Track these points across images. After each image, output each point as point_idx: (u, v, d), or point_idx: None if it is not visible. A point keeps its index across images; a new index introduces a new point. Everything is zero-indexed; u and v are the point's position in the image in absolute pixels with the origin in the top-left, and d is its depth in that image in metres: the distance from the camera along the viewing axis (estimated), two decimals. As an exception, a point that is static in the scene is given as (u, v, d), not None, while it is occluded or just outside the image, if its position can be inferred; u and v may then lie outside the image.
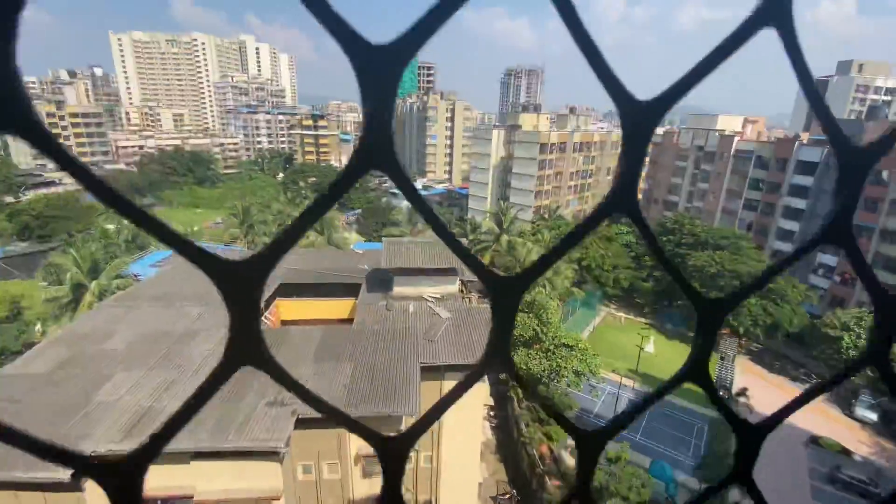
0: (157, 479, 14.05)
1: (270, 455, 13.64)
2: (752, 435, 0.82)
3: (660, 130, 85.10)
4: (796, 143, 50.71)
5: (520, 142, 70.32)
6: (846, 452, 30.41)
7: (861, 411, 34.28)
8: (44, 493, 12.68)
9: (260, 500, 14.40)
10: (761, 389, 36.27)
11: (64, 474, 11.66)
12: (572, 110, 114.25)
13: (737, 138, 57.16)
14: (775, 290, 40.49)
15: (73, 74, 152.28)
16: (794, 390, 38.26)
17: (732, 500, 22.28)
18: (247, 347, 0.62)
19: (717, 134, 59.84)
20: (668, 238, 50.09)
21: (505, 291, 0.69)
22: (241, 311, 0.60)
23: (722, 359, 40.64)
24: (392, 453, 0.74)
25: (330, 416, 0.72)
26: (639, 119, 0.66)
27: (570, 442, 25.82)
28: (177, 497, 14.16)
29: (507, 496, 27.04)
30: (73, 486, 12.38)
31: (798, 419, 33.93)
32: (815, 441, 31.43)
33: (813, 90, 0.67)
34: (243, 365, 0.62)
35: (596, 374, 28.98)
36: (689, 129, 65.17)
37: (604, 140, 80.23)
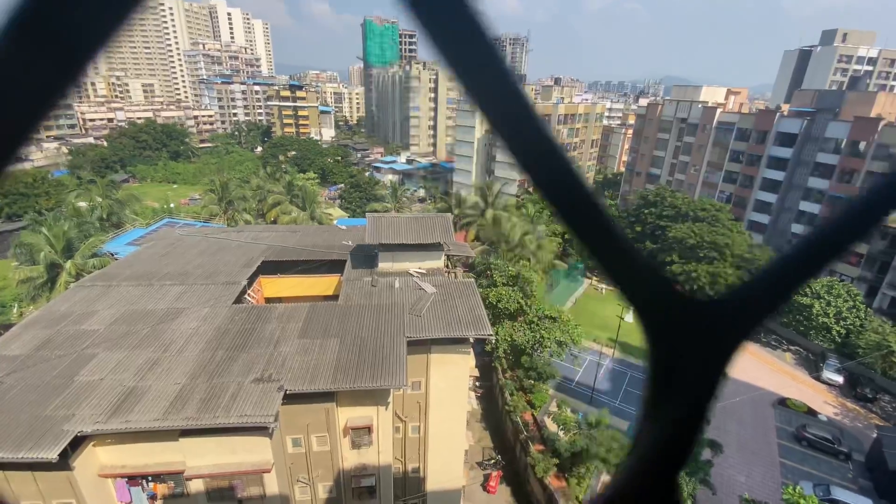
0: (146, 456, 14.15)
1: (259, 430, 13.80)
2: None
3: (643, 102, 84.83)
4: (777, 115, 51.29)
5: (504, 114, 69.43)
6: (812, 413, 32.26)
7: (828, 374, 36.19)
8: (33, 472, 12.66)
9: (251, 473, 14.66)
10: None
11: (52, 454, 11.63)
12: (557, 81, 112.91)
13: (719, 110, 57.49)
14: (751, 260, 41.77)
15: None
16: (764, 355, 40.10)
17: (704, 458, 23.57)
18: None
19: (700, 106, 60.04)
20: (650, 210, 50.78)
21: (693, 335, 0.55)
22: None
23: (699, 327, 42.11)
24: None
25: None
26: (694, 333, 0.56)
27: (552, 409, 26.76)
28: (167, 473, 14.32)
29: (493, 461, 28.10)
30: (62, 465, 12.38)
31: (767, 382, 35.75)
32: (782, 402, 33.21)
33: None
34: None
35: (578, 344, 29.80)
36: (672, 100, 65.16)
37: (588, 112, 79.77)
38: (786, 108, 53.77)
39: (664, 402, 0.53)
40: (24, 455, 11.65)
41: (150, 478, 14.48)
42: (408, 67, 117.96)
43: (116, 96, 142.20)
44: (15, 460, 11.77)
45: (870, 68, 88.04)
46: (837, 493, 24.13)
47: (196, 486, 14.77)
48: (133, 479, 14.38)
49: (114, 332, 16.73)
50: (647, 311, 0.51)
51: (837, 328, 37.43)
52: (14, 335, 16.59)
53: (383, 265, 21.68)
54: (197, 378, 14.61)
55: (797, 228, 48.60)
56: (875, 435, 29.18)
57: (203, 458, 14.21)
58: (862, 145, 43.60)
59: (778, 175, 50.46)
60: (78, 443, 12.83)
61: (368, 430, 16.47)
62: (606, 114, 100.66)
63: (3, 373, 14.40)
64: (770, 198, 51.40)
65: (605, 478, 25.19)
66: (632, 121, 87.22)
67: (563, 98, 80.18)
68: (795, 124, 48.85)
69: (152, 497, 14.75)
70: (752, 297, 0.54)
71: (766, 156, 51.37)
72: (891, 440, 27.06)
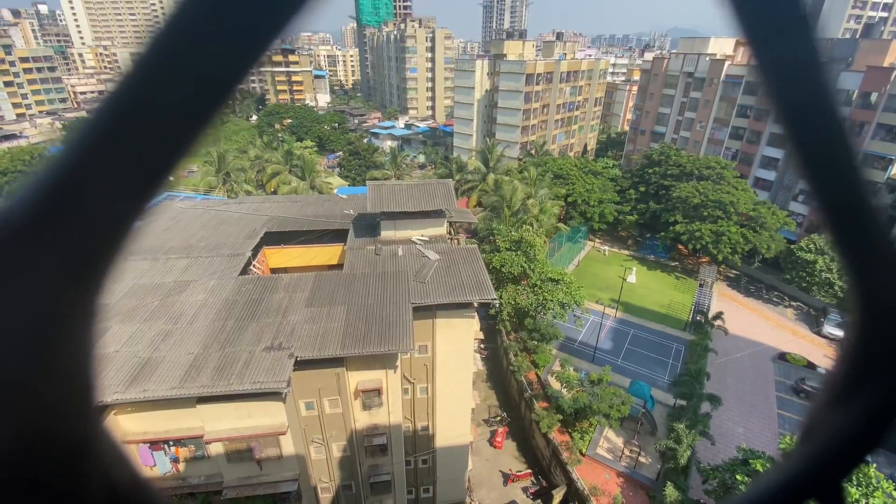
0: (167, 422, 14.75)
1: (273, 395, 14.30)
2: None
3: (649, 57, 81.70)
4: (787, 66, 49.35)
5: (505, 73, 67.21)
6: (811, 366, 32.96)
7: (829, 329, 36.70)
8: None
9: (268, 435, 15.31)
10: (735, 312, 38.35)
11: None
12: (559, 36, 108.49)
13: (728, 63, 55.38)
14: (755, 218, 41.46)
15: (16, 14, 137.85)
16: (766, 312, 40.56)
17: (703, 411, 24.35)
18: None
19: (707, 59, 57.81)
20: (654, 170, 50.01)
21: None
22: None
23: (701, 286, 42.43)
24: None
25: None
26: None
27: (555, 368, 27.41)
28: (187, 437, 14.96)
29: (499, 418, 29.17)
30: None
31: (768, 338, 36.35)
32: (782, 357, 33.89)
33: None
34: None
35: (580, 305, 30.17)
36: (679, 54, 62.69)
37: (591, 68, 77.08)
38: (797, 58, 51.59)
39: (862, 386, 0.51)
40: (49, 424, 12.15)
41: (171, 442, 15.17)
42: (403, 26, 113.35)
43: (105, 67, 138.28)
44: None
45: (885, 14, 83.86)
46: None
47: (216, 448, 15.47)
48: (155, 444, 15.07)
49: (124, 305, 17.03)
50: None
51: (840, 283, 37.57)
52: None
53: (386, 233, 21.69)
54: (209, 348, 14.99)
55: (803, 184, 47.82)
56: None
57: (221, 423, 14.81)
58: (874, 96, 42.21)
59: (786, 129, 49.20)
60: (99, 412, 13.35)
61: (378, 392, 17.02)
62: (610, 70, 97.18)
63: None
64: (777, 153, 50.37)
65: (608, 431, 26.17)
66: (637, 77, 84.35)
67: (565, 54, 77.28)
68: (806, 75, 47.09)
69: (175, 460, 15.51)
70: None
71: (775, 110, 49.89)
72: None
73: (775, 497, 0.53)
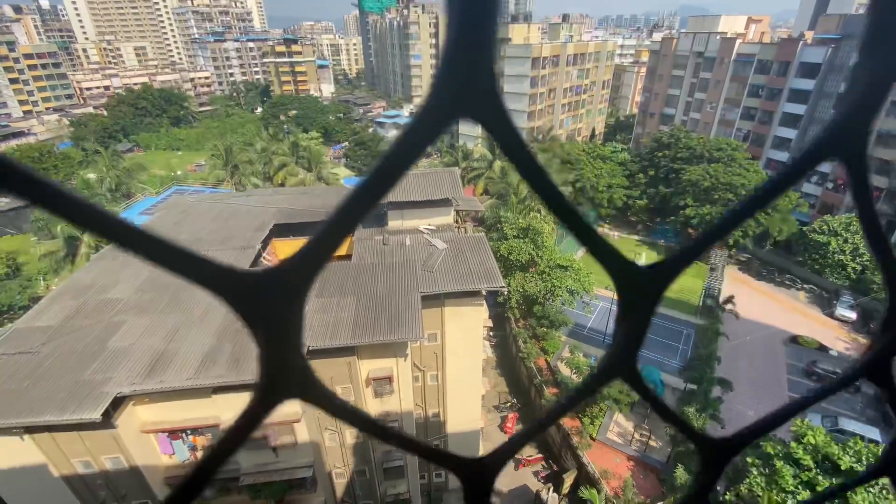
0: (184, 412, 15.09)
1: (286, 384, 14.52)
2: (715, 454, 0.72)
3: (657, 37, 79.89)
4: (800, 43, 48.05)
5: (510, 57, 66.21)
6: (822, 348, 32.67)
7: (841, 311, 36.24)
8: (79, 432, 13.65)
9: (283, 423, 15.61)
10: (747, 296, 38.00)
11: (95, 414, 12.46)
12: (565, 18, 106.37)
13: (738, 41, 53.98)
14: (767, 200, 40.75)
15: (18, 10, 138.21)
16: (778, 295, 40.14)
17: (714, 395, 24.33)
18: (288, 381, 0.50)
19: (717, 37, 56.39)
20: (664, 153, 49.24)
21: (638, 288, 0.58)
22: (276, 337, 0.47)
23: (712, 270, 42.04)
24: (476, 478, 0.68)
25: (401, 446, 0.61)
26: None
27: (565, 354, 27.43)
28: (204, 426, 15.31)
29: (509, 405, 29.42)
30: (106, 424, 13.30)
31: (779, 321, 36.01)
32: (793, 340, 33.61)
33: None
34: (285, 400, 0.50)
35: (589, 292, 30.09)
36: (689, 33, 61.20)
37: (599, 50, 75.60)
38: (810, 35, 50.23)
39: None
40: (68, 417, 12.51)
41: (189, 431, 15.54)
42: (406, 12, 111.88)
43: (109, 62, 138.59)
44: (61, 422, 12.67)
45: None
46: (845, 423, 24.88)
47: (232, 437, 15.81)
48: (174, 433, 15.45)
49: (139, 299, 17.33)
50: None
51: (853, 265, 36.99)
52: (43, 307, 17.31)
53: (393, 223, 21.71)
54: (223, 339, 15.24)
55: (820, 166, 46.86)
56: (886, 367, 29.58)
57: (236, 412, 15.05)
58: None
59: (799, 109, 48.05)
60: (118, 403, 13.71)
61: (389, 380, 17.23)
62: (618, 52, 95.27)
63: (39, 343, 15.18)
64: (790, 133, 49.27)
65: (618, 416, 26.28)
66: (645, 58, 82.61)
67: (571, 36, 75.89)
68: (819, 53, 45.83)
69: (193, 449, 15.90)
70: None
71: (788, 88, 48.70)
72: (901, 372, 27.43)
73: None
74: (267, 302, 0.45)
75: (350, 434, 18.58)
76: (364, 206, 0.43)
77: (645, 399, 0.67)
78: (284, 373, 0.49)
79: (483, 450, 24.55)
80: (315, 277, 0.47)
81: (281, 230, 23.71)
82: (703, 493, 0.73)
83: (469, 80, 0.40)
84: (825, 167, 46.03)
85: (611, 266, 0.53)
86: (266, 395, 0.49)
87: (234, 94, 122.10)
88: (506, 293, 30.47)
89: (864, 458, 15.40)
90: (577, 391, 0.61)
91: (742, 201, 0.49)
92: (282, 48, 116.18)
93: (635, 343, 0.59)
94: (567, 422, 25.35)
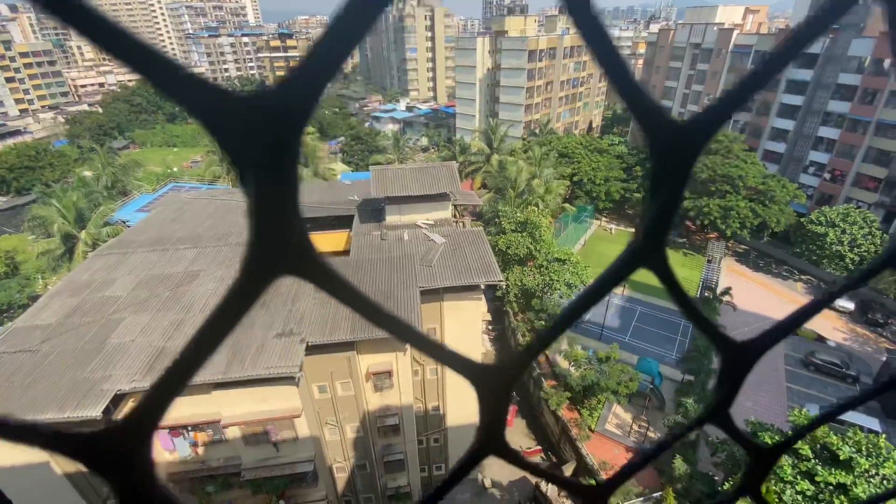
0: (184, 409, 15.12)
1: (286, 380, 14.57)
2: (738, 356, 0.70)
3: (654, 28, 79.51)
4: (798, 33, 47.76)
5: (506, 50, 65.81)
6: (821, 339, 32.85)
7: (839, 302, 36.40)
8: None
9: (283, 418, 15.67)
10: (744, 287, 38.16)
11: (96, 411, 12.49)
12: (561, 10, 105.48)
13: (736, 32, 53.75)
14: (764, 192, 40.84)
15: (14, 9, 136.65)
16: (775, 286, 40.30)
17: (712, 385, 24.48)
18: (495, 440, 0.62)
19: (714, 28, 56.15)
20: (661, 146, 49.09)
21: (742, 354, 0.61)
22: (493, 409, 0.59)
23: (709, 262, 42.15)
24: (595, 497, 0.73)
25: (540, 475, 0.73)
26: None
27: (563, 347, 27.53)
28: (205, 422, 15.36)
29: (509, 399, 29.52)
30: (107, 421, 13.32)
31: (777, 312, 36.16)
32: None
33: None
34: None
35: (587, 285, 30.13)
36: (685, 24, 60.91)
37: (595, 43, 75.11)
38: (809, 24, 49.90)
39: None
40: (69, 415, 12.54)
41: (190, 428, 15.58)
42: (401, 5, 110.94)
43: (104, 59, 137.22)
44: (61, 420, 12.68)
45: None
46: (844, 413, 25.04)
47: (233, 432, 15.89)
48: (175, 429, 15.49)
49: (136, 297, 17.31)
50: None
51: (851, 255, 37.12)
52: (42, 305, 17.28)
53: (391, 218, 21.68)
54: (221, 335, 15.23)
55: (815, 156, 46.92)
56: (885, 358, 29.76)
57: (236, 408, 15.16)
58: (887, 62, 40.89)
59: (796, 100, 47.96)
60: (118, 400, 13.73)
61: (389, 374, 17.29)
62: (615, 43, 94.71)
63: (38, 341, 15.17)
64: (787, 125, 49.21)
65: (616, 407, 26.44)
66: (642, 50, 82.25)
67: (568, 28, 75.39)
68: (817, 43, 45.68)
69: (194, 445, 15.96)
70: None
71: (785, 79, 48.59)
72: (898, 361, 27.63)
73: None
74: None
75: (350, 428, 18.66)
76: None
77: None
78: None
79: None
80: (525, 367, 0.56)
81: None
82: (725, 404, 0.71)
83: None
84: (822, 158, 46.08)
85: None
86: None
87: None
88: (504, 287, 30.52)
89: (863, 448, 15.52)
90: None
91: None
92: (277, 43, 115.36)
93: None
94: (566, 413, 25.51)
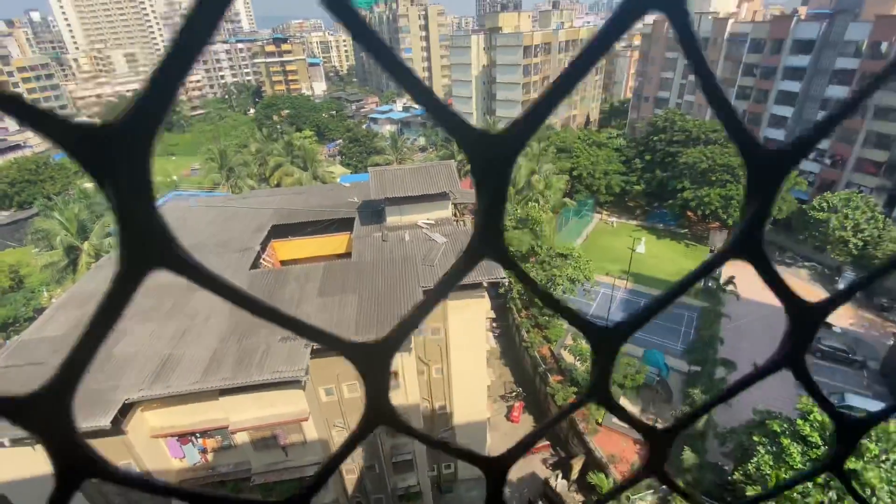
0: (192, 415, 15.19)
1: (293, 384, 14.61)
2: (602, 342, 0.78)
3: (649, 20, 79.21)
4: (793, 20, 47.64)
5: (501, 46, 65.74)
6: (826, 325, 32.73)
7: (841, 283, 36.28)
8: (90, 440, 13.73)
9: (291, 422, 15.72)
10: (748, 276, 37.82)
11: (105, 421, 12.55)
12: (555, 5, 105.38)
13: (731, 20, 53.59)
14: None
15: (10, 24, 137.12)
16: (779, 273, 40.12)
17: (718, 376, 24.44)
18: (383, 411, 0.66)
19: (709, 17, 55.97)
20: (660, 137, 49.05)
21: (606, 340, 0.71)
22: (375, 383, 0.64)
23: (711, 252, 42.03)
24: (495, 469, 0.78)
25: (433, 446, 0.78)
26: (767, 168, 0.60)
27: (568, 342, 27.52)
28: (213, 429, 15.42)
29: (514, 394, 29.58)
30: (116, 430, 13.39)
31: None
32: (796, 318, 33.63)
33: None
34: (378, 426, 0.65)
35: (590, 279, 30.13)
36: (680, 14, 60.59)
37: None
38: (803, 11, 49.81)
39: None
40: (79, 425, 12.58)
41: (198, 434, 15.65)
42: (394, 5, 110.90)
43: (101, 70, 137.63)
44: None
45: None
46: (852, 399, 24.96)
47: (241, 438, 15.95)
48: (183, 437, 15.56)
49: (141, 306, 17.35)
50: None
51: (855, 241, 36.97)
52: (48, 318, 17.37)
53: (391, 219, 21.69)
54: (227, 342, 15.30)
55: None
56: (891, 342, 29.64)
57: (244, 413, 15.22)
58: (884, 46, 40.66)
59: (794, 86, 47.77)
60: (126, 409, 13.79)
61: (394, 374, 17.31)
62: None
63: (46, 353, 15.24)
64: (786, 111, 49.04)
65: (623, 400, 26.42)
66: (638, 42, 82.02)
67: (562, 23, 75.33)
68: (813, 29, 45.44)
69: (203, 451, 16.03)
70: None
71: (782, 66, 48.37)
72: (905, 345, 27.51)
73: None
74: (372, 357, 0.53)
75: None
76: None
77: None
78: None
79: (490, 439, 24.75)
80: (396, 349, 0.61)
81: (280, 231, 23.70)
82: (602, 381, 0.79)
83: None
84: (823, 143, 45.87)
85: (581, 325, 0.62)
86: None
87: (226, 97, 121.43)
88: (507, 284, 30.51)
89: (873, 434, 15.48)
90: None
91: None
92: (272, 48, 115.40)
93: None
94: (573, 409, 25.50)
